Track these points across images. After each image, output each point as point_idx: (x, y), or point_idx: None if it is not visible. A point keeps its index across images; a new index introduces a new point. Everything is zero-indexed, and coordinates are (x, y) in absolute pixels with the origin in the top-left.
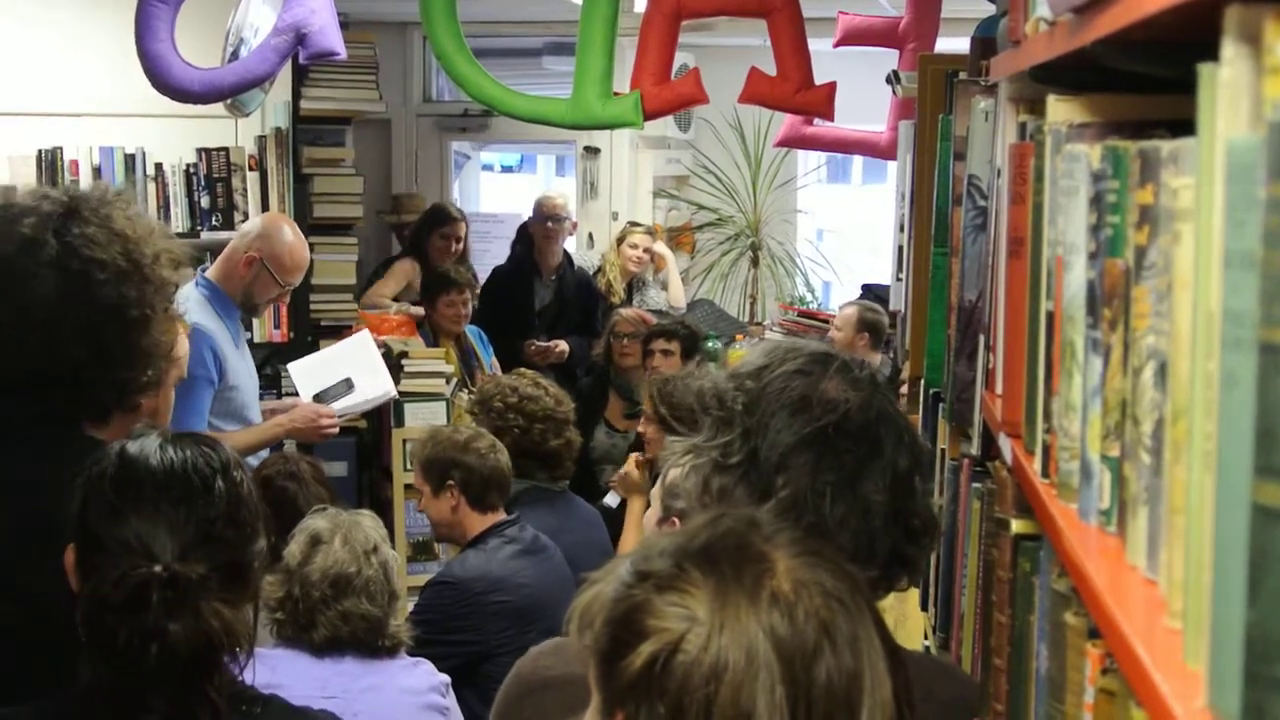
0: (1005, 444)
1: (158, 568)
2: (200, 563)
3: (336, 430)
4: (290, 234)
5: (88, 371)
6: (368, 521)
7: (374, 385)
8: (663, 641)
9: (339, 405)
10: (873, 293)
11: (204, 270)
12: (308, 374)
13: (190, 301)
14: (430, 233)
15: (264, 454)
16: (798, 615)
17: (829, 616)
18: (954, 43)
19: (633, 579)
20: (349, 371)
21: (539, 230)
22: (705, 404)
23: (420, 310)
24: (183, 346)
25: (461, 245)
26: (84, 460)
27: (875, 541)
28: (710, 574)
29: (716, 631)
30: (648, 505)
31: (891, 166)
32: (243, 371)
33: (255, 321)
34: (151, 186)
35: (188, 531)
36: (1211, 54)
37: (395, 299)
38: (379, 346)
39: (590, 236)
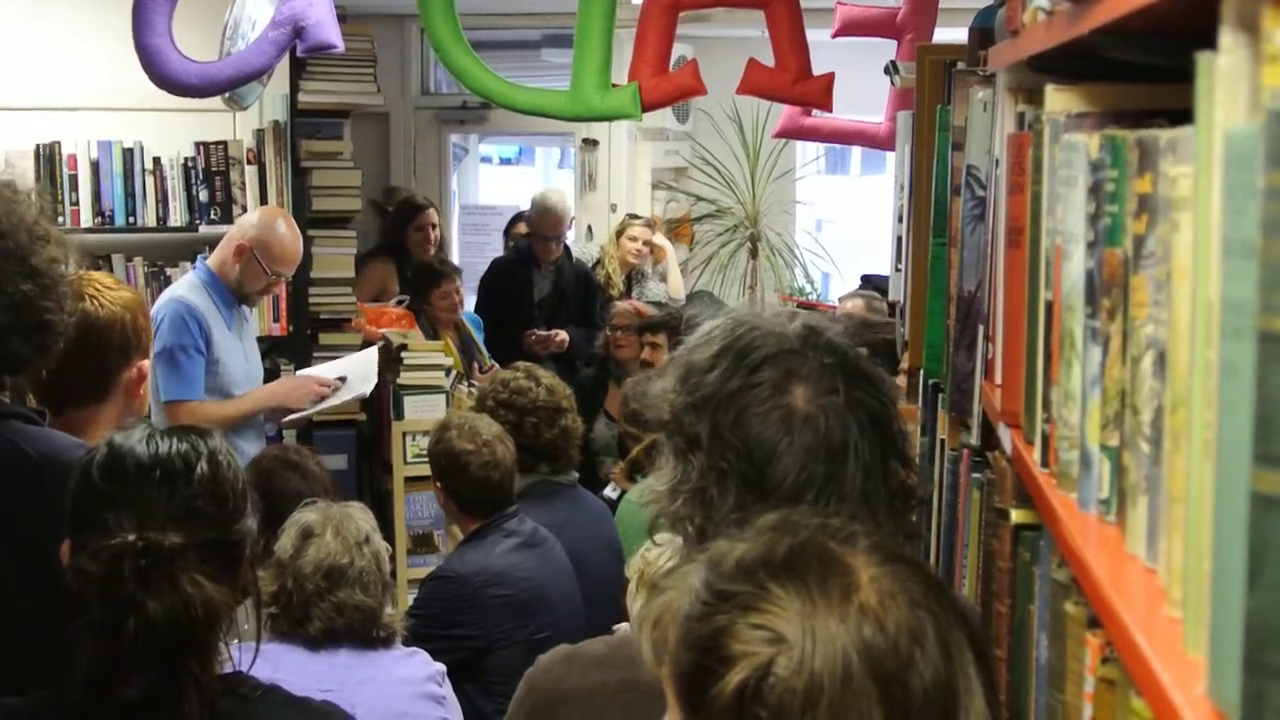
0: (1005, 434)
1: (131, 537)
2: (177, 534)
3: (328, 391)
4: (283, 226)
5: None
6: (358, 513)
7: (359, 387)
8: (751, 667)
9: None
10: (872, 283)
11: (204, 258)
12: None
13: (184, 282)
14: (404, 226)
15: (262, 443)
16: (889, 628)
17: (919, 626)
18: (952, 33)
19: (712, 598)
20: (349, 381)
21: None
22: (667, 429)
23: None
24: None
25: (438, 233)
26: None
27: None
28: (795, 591)
29: (808, 654)
30: None
31: (890, 157)
32: (234, 351)
33: (254, 315)
34: (150, 180)
35: (169, 510)
36: (1210, 43)
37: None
38: (378, 340)
39: (589, 229)
